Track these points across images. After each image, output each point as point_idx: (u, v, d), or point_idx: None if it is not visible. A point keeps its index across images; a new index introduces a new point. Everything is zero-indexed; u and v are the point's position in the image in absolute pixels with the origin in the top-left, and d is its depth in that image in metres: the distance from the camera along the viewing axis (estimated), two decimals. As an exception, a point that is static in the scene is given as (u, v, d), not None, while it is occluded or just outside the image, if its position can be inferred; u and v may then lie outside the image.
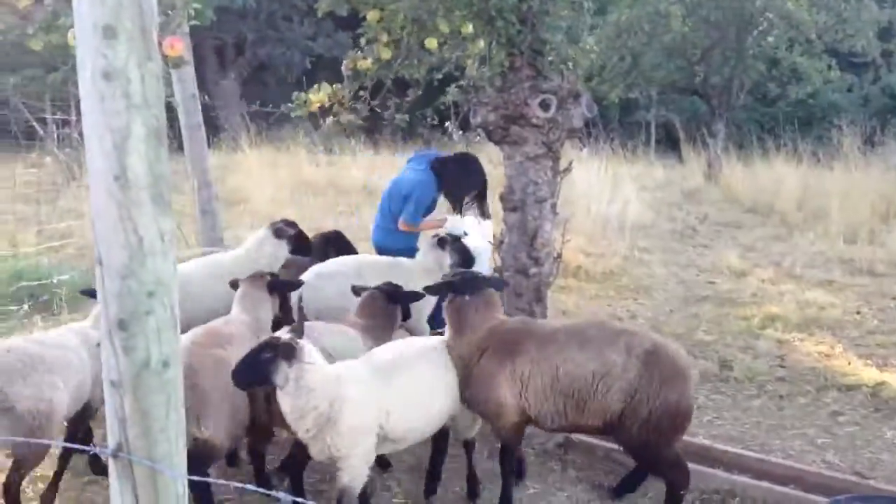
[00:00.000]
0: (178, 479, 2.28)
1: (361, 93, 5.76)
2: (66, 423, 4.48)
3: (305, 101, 5.73)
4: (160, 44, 2.35)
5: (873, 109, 26.59)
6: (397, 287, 5.17)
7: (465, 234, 6.64)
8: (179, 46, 4.65)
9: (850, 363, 6.96)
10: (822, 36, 18.80)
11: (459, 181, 6.89)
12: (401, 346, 4.46)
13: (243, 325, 4.68)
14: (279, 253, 6.00)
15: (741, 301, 8.82)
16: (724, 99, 19.60)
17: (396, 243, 6.76)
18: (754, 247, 11.83)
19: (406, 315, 5.26)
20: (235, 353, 4.04)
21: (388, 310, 5.09)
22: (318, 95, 5.73)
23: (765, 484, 4.63)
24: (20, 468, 4.09)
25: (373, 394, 3.93)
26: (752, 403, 6.14)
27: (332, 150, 17.77)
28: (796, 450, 5.32)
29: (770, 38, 19.20)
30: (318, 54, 27.05)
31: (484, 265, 6.58)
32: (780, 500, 4.48)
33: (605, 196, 13.04)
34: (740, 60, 19.11)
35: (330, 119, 5.83)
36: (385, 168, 16.75)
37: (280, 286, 5.09)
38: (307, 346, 3.78)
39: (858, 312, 8.44)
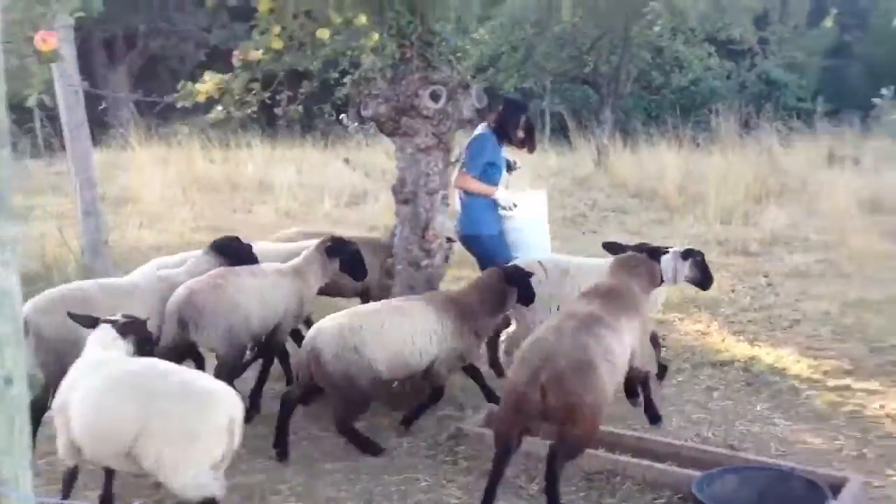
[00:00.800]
0: (25, 502, 2.12)
1: (253, 85, 5.72)
2: None
3: (192, 92, 5.66)
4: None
5: (750, 95, 27.64)
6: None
7: (515, 205, 6.51)
8: (52, 41, 4.52)
9: (723, 340, 7.29)
10: (702, 24, 19.51)
11: (503, 119, 6.61)
12: None
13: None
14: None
15: (626, 284, 9.11)
16: (612, 87, 20.15)
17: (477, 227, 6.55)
18: (639, 231, 12.24)
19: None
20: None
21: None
22: (206, 85, 5.65)
23: (644, 462, 4.75)
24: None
25: None
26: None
27: (227, 146, 17.50)
28: (673, 426, 5.53)
29: (656, 28, 19.84)
30: (213, 45, 26.47)
31: (537, 238, 6.64)
32: (658, 477, 4.61)
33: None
34: (627, 50, 19.69)
35: (218, 109, 5.75)
36: (283, 163, 16.62)
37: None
38: None
39: (733, 290, 8.82)
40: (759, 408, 5.78)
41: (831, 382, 6.27)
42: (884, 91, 19.28)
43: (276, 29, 5.54)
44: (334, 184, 14.25)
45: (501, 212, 6.51)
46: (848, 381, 6.29)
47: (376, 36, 5.73)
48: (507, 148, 6.79)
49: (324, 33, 5.48)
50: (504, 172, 6.72)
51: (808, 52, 32.49)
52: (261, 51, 5.52)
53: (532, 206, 6.65)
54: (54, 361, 4.88)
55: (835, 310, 8.00)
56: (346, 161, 13.99)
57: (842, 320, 7.73)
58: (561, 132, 22.33)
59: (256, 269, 5.69)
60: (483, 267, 6.28)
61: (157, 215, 12.17)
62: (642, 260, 5.39)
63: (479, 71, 19.79)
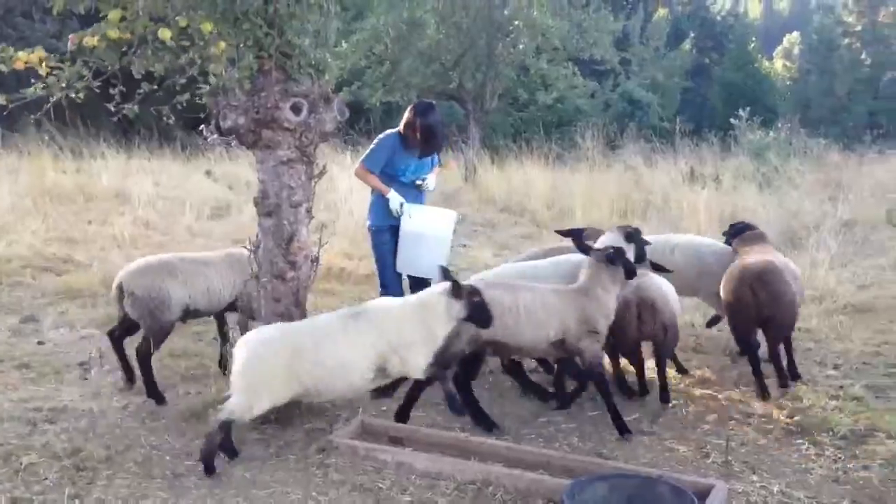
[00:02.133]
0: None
1: (84, 72, 5.40)
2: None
3: (11, 57, 5.28)
4: None
5: (614, 114, 28.60)
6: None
7: (399, 213, 6.81)
8: None
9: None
10: (565, 44, 19.99)
11: (405, 122, 6.96)
12: None
13: None
14: None
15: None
16: (479, 104, 20.37)
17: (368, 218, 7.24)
18: (507, 244, 12.36)
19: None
20: None
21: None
22: (29, 55, 5.28)
23: (516, 471, 4.81)
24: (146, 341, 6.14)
25: None
26: (506, 395, 6.40)
27: (80, 156, 16.77)
28: (545, 436, 5.58)
29: (520, 46, 20.20)
30: (63, 52, 25.43)
31: (431, 254, 6.70)
32: (530, 485, 4.66)
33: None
34: (492, 67, 19.96)
35: (39, 85, 5.39)
36: (141, 174, 16.07)
37: None
38: None
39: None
40: (628, 417, 5.83)
41: (697, 392, 6.42)
42: (741, 112, 20.20)
43: (127, 35, 5.25)
44: (196, 196, 13.87)
45: (397, 214, 6.87)
46: (712, 390, 6.45)
47: (223, 44, 5.52)
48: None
49: (165, 34, 5.20)
50: (417, 179, 7.08)
51: (668, 73, 33.89)
52: (97, 38, 5.21)
53: (435, 222, 6.87)
54: (147, 316, 6.11)
55: (698, 321, 8.20)
56: (208, 173, 13.63)
57: (705, 332, 7.94)
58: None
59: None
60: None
61: (7, 226, 11.52)
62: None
63: (344, 84, 19.68)
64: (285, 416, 5.66)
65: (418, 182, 7.07)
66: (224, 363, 6.70)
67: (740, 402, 6.17)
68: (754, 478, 4.97)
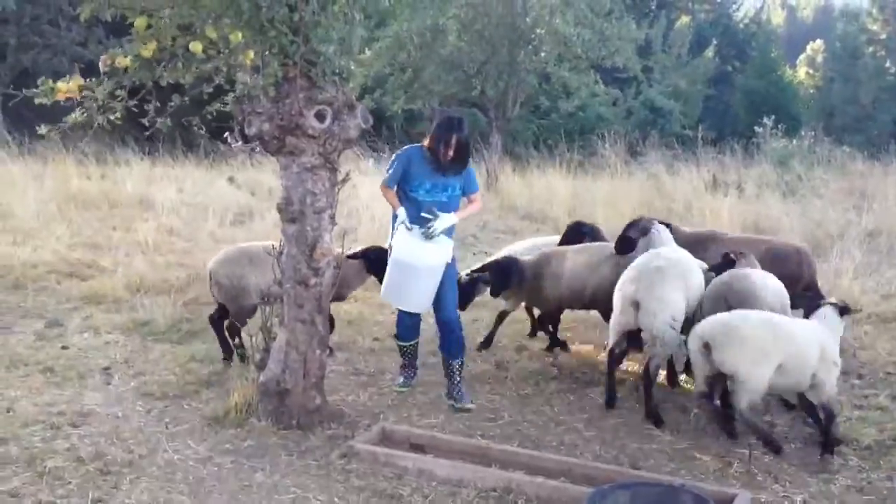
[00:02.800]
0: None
1: (119, 91, 5.47)
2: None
3: (51, 89, 5.36)
4: None
5: (636, 122, 28.52)
6: None
7: (395, 227, 6.21)
8: None
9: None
10: (587, 52, 19.96)
11: (434, 136, 6.24)
12: None
13: None
14: None
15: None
16: (500, 111, 20.36)
17: None
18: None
19: None
20: None
21: None
22: (67, 85, 5.37)
23: (538, 479, 4.81)
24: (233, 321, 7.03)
25: None
26: (527, 402, 6.40)
27: (105, 163, 16.92)
28: (566, 444, 5.58)
29: (542, 54, 20.19)
30: (89, 61, 25.74)
31: (411, 283, 6.13)
32: (551, 493, 4.66)
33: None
34: (514, 74, 19.95)
35: (77, 112, 5.46)
36: (165, 181, 16.19)
37: None
38: None
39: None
40: (648, 425, 5.80)
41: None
42: (765, 120, 20.10)
43: (153, 45, 5.33)
44: (219, 202, 13.94)
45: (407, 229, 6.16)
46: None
47: (251, 53, 5.58)
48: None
49: (196, 46, 5.28)
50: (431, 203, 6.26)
51: (691, 81, 33.75)
52: (129, 58, 5.28)
53: (430, 252, 6.12)
54: (230, 301, 6.89)
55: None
56: (231, 180, 13.69)
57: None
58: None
59: None
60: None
61: (32, 232, 11.63)
62: None
63: (366, 92, 19.73)
64: (307, 421, 5.69)
65: (424, 214, 6.20)
66: (243, 356, 6.87)
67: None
68: (777, 487, 4.95)
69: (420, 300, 6.24)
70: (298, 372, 5.71)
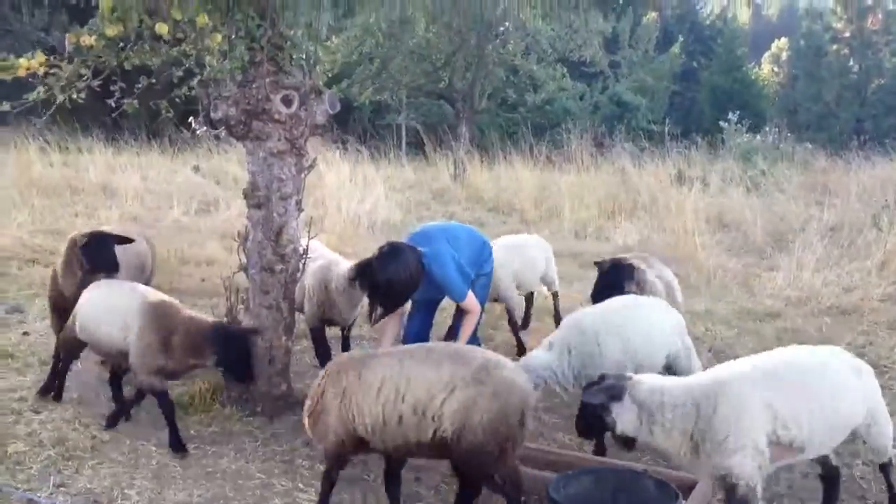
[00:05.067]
0: None
1: (84, 72, 5.39)
2: None
3: (13, 65, 5.25)
4: None
5: (602, 116, 28.65)
6: None
7: None
8: None
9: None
10: (554, 45, 20.02)
11: None
12: None
13: None
14: None
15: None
16: (468, 103, 20.35)
17: None
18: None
19: None
20: None
21: None
22: (30, 61, 5.26)
23: None
24: None
25: None
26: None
27: (66, 150, 16.70)
28: (530, 431, 5.59)
29: (509, 46, 20.20)
30: (52, 47, 25.38)
31: None
32: None
33: (357, 196, 13.18)
34: (482, 66, 19.94)
35: (40, 90, 5.37)
36: (128, 169, 16.00)
37: None
38: None
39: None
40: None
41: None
42: (730, 116, 20.24)
43: (108, 5, 5.22)
44: (183, 191, 13.86)
45: None
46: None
47: (219, 37, 5.53)
48: None
49: (162, 28, 5.21)
50: None
51: (657, 76, 33.97)
52: (94, 36, 5.20)
53: None
54: None
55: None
56: (196, 168, 13.56)
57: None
58: (417, 146, 22.48)
59: None
60: None
61: (-10, 218, 11.48)
62: None
63: (334, 82, 19.63)
64: (272, 408, 5.67)
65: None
66: None
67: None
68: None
69: None
70: (264, 359, 5.69)
